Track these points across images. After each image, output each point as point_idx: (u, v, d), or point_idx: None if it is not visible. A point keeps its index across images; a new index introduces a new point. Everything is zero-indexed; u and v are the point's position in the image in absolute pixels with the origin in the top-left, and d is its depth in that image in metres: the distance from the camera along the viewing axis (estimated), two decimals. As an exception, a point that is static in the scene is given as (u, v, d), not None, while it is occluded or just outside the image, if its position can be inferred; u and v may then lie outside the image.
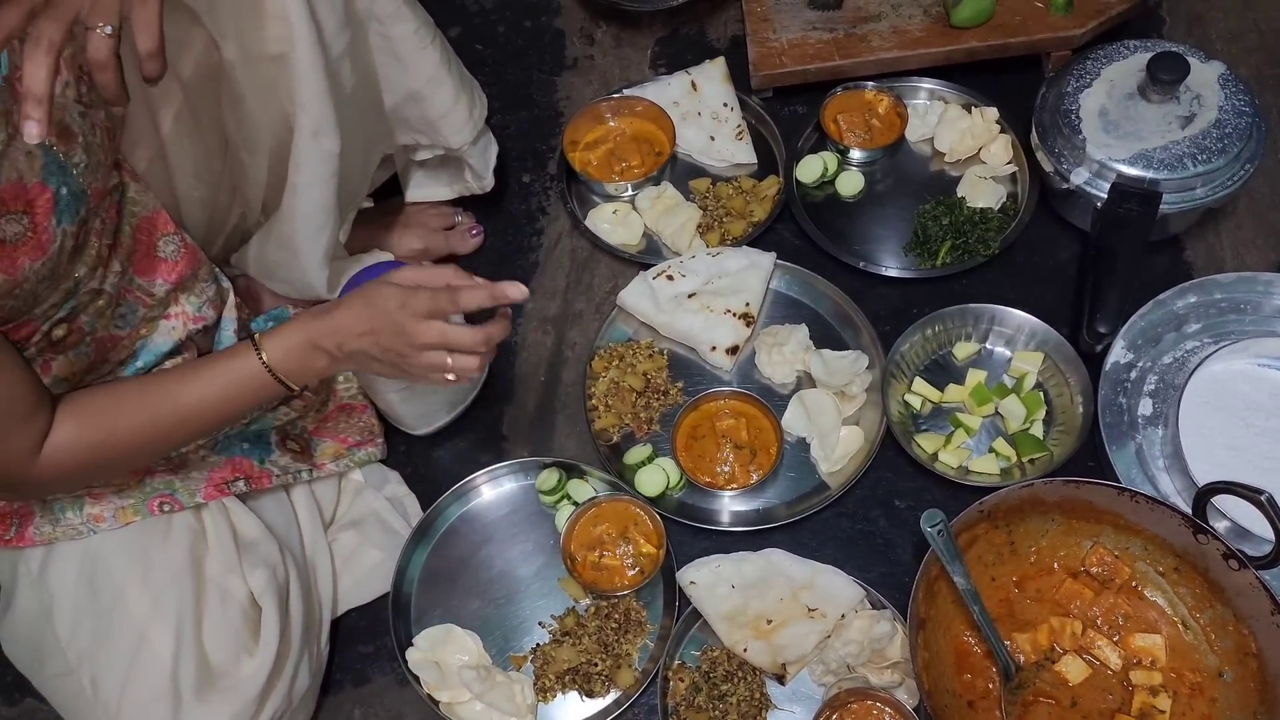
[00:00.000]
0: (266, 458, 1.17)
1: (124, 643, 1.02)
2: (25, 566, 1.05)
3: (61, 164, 0.92)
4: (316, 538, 1.21)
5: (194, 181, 1.21)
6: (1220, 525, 1.15)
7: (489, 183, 1.38)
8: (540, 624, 1.22)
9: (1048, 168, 1.36)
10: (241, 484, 1.14)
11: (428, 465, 1.34)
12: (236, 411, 1.05)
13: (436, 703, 1.17)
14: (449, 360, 1.04)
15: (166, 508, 1.08)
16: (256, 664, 1.05)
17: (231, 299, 1.20)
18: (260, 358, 1.01)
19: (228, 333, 1.19)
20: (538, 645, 1.21)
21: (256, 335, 1.03)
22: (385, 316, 1.01)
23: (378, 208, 1.45)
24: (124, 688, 1.01)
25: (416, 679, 1.18)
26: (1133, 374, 1.29)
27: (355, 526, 1.25)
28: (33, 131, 0.75)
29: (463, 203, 1.47)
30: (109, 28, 0.77)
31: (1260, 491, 1.03)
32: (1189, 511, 1.10)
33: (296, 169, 1.14)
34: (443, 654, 1.19)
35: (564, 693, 1.18)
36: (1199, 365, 1.23)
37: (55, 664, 1.05)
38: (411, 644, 1.19)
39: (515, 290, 1.03)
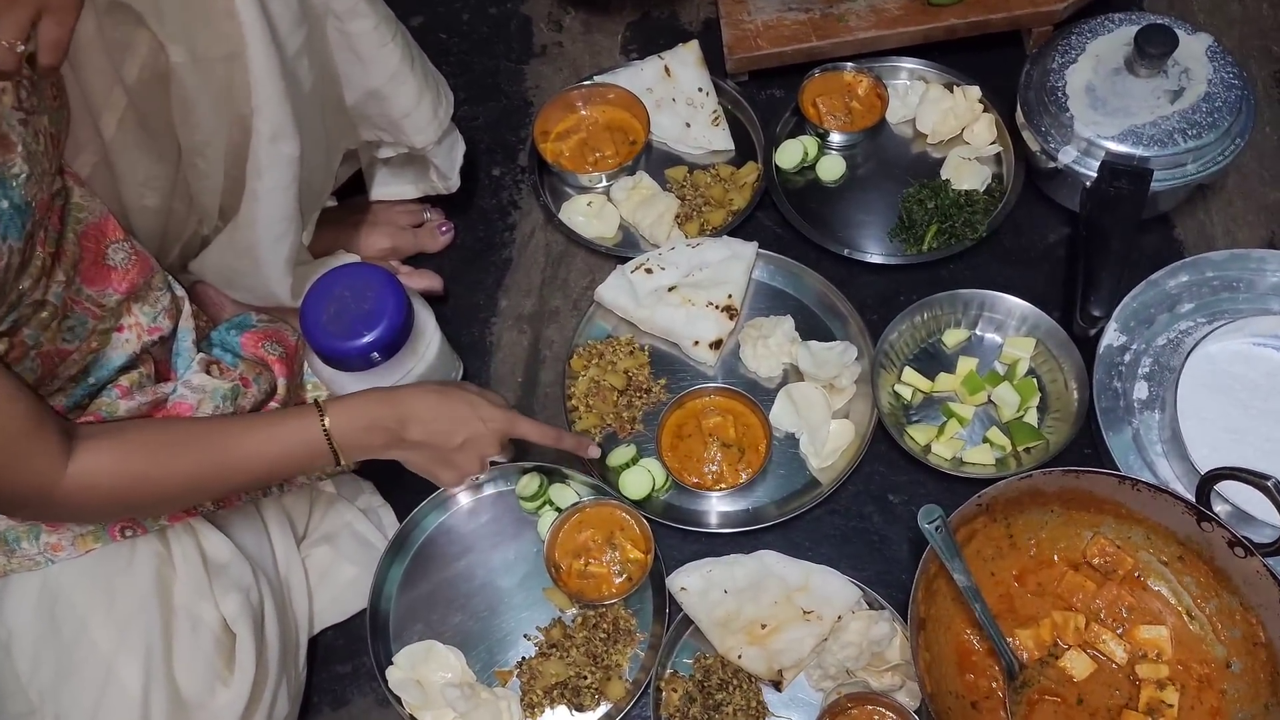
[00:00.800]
0: (233, 473, 1.12)
1: (89, 678, 0.96)
2: None
3: (0, 177, 0.86)
4: (290, 555, 1.15)
5: (143, 189, 1.14)
6: (1221, 510, 1.12)
7: (454, 183, 1.33)
8: (526, 636, 1.18)
9: (1034, 147, 1.32)
10: (208, 503, 1.08)
11: (402, 474, 1.27)
12: (283, 472, 1.04)
13: (419, 724, 1.12)
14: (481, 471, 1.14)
15: (129, 532, 1.02)
16: (232, 694, 0.99)
17: (187, 308, 1.14)
18: (322, 423, 1.01)
19: (185, 343, 1.13)
20: (524, 659, 1.16)
21: (321, 400, 1.05)
22: (459, 420, 1.08)
23: (343, 206, 1.40)
24: None
25: (398, 699, 1.13)
26: (1126, 357, 1.26)
27: (329, 541, 1.20)
28: None
29: (432, 198, 1.41)
30: (20, 45, 0.78)
31: (1267, 477, 1.00)
32: (1192, 499, 1.07)
33: (256, 175, 1.09)
34: (424, 672, 1.14)
35: (552, 708, 1.14)
36: (1194, 347, 1.20)
37: (16, 704, 0.99)
38: (392, 662, 1.15)
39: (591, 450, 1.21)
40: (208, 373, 1.11)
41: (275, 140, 1.06)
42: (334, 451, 1.03)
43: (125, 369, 1.08)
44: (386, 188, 1.37)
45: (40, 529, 1.00)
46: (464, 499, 1.25)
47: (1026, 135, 1.33)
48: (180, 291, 1.15)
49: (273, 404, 1.16)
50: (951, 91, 1.44)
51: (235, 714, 0.99)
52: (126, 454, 0.94)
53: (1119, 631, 1.10)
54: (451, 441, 1.08)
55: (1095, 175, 1.26)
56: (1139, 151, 1.24)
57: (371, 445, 1.06)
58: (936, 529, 1.06)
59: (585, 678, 1.13)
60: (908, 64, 1.47)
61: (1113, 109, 1.26)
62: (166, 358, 1.14)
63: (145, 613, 0.98)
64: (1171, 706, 1.06)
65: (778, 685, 1.12)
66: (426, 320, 1.21)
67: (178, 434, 0.99)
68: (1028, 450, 1.22)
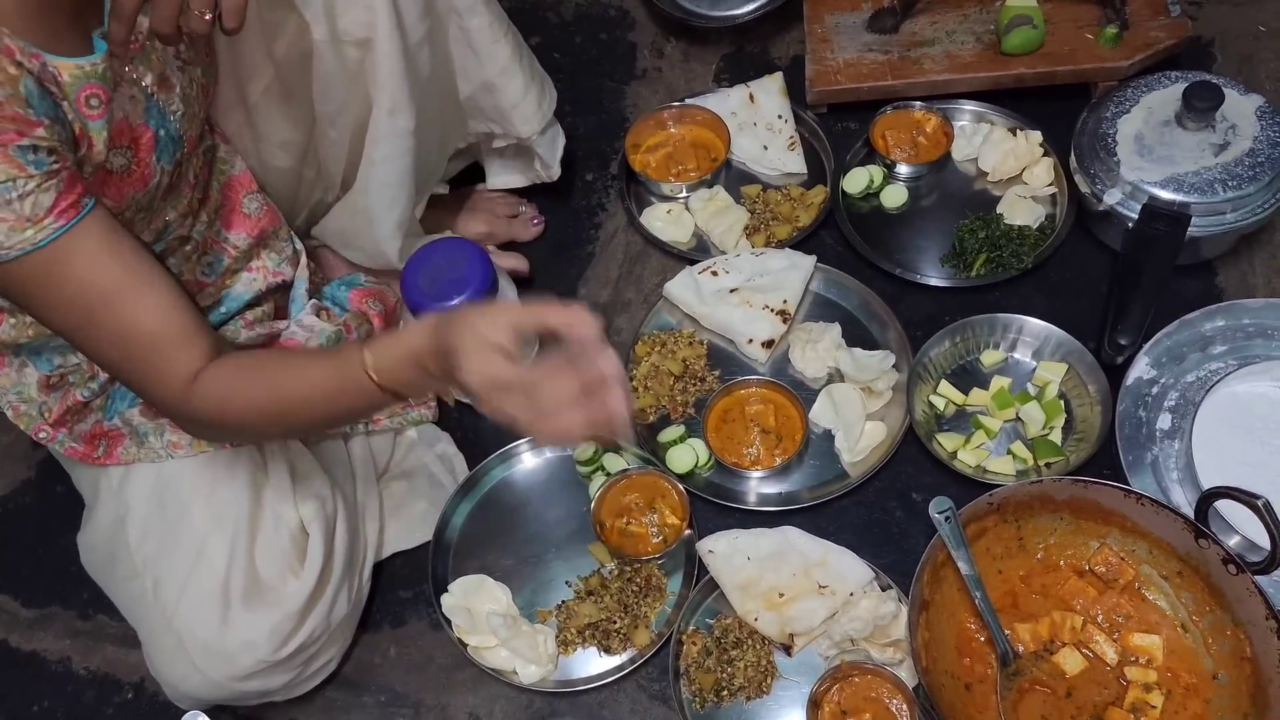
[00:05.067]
0: (330, 408, 1.28)
1: (185, 552, 1.13)
2: (107, 480, 1.18)
3: (161, 109, 1.04)
4: (369, 484, 1.31)
5: (279, 151, 1.32)
6: (1232, 540, 1.19)
7: (556, 172, 1.49)
8: (567, 583, 1.31)
9: (1084, 189, 1.41)
10: (298, 435, 1.24)
11: (476, 431, 1.43)
12: (343, 408, 1.04)
13: (465, 645, 1.25)
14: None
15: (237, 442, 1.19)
16: (300, 584, 1.15)
17: (304, 260, 1.32)
18: (363, 359, 0.97)
19: (300, 291, 1.31)
20: (563, 602, 1.29)
21: (367, 342, 1.00)
22: (467, 328, 0.91)
23: (451, 194, 1.57)
24: (181, 591, 1.13)
25: (449, 622, 1.26)
26: (1155, 389, 1.33)
27: (406, 477, 1.35)
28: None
29: (529, 195, 1.58)
30: (208, 13, 0.88)
31: (1257, 496, 1.07)
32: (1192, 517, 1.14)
33: (374, 144, 1.26)
34: (475, 601, 1.27)
35: (584, 647, 1.26)
36: (1218, 382, 1.27)
37: (124, 568, 1.18)
38: (447, 590, 1.28)
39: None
40: (317, 316, 1.28)
41: (393, 114, 1.23)
42: (379, 386, 0.97)
43: (250, 305, 1.26)
44: (499, 177, 1.54)
45: (165, 429, 1.17)
46: (528, 459, 1.39)
47: (1077, 177, 1.42)
48: (299, 246, 1.34)
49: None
50: (1015, 135, 1.54)
51: (300, 601, 1.14)
52: (234, 379, 1.00)
53: (1114, 636, 1.17)
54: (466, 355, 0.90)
55: (1137, 217, 1.35)
56: (1179, 197, 1.33)
57: (418, 383, 0.98)
58: (946, 519, 1.16)
59: (615, 623, 1.25)
60: (975, 106, 1.58)
61: (1158, 157, 1.35)
62: (284, 303, 1.32)
63: (237, 505, 1.15)
64: (1155, 708, 1.12)
65: (788, 650, 1.23)
66: (509, 293, 1.37)
67: (267, 360, 1.07)
68: (1048, 465, 1.30)
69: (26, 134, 0.87)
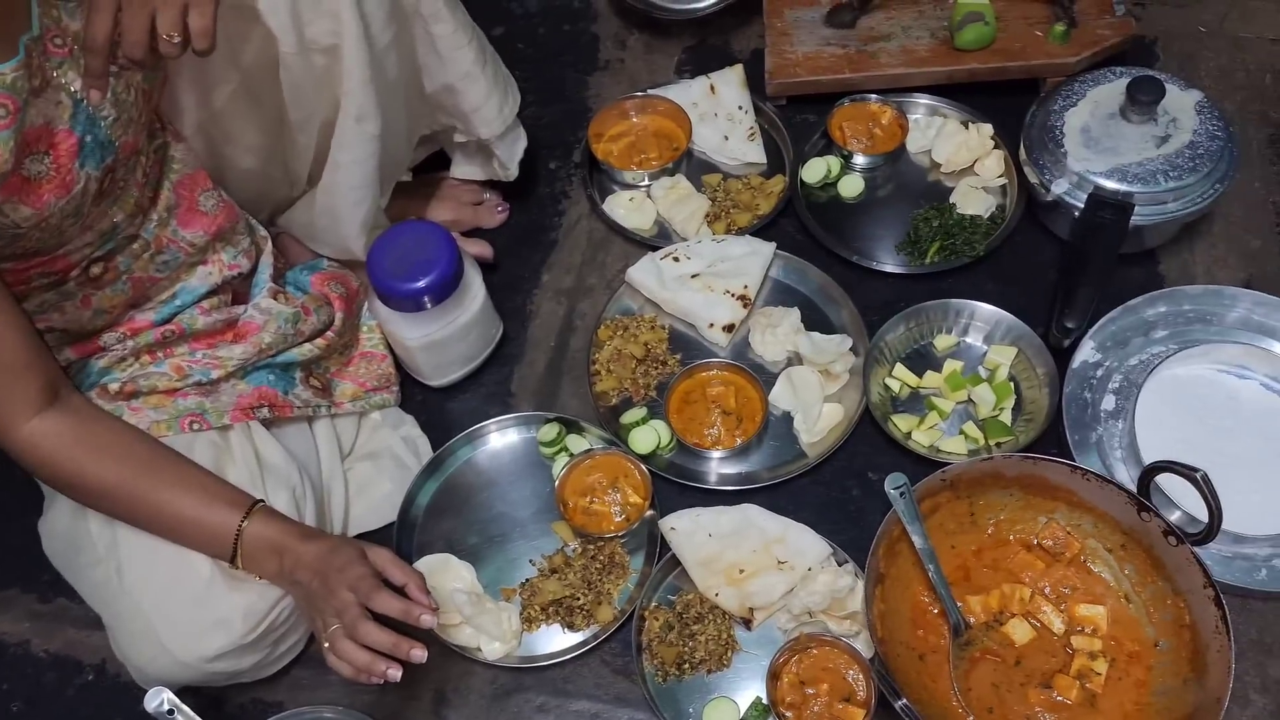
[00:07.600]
0: (290, 390, 1.29)
1: (149, 537, 1.13)
2: None
3: (90, 115, 1.04)
4: (334, 467, 1.32)
5: (245, 153, 1.32)
6: (1173, 515, 1.24)
7: (513, 173, 1.50)
8: (531, 562, 1.32)
9: (1033, 179, 1.46)
10: (265, 410, 1.25)
11: (441, 414, 1.45)
12: (182, 535, 1.11)
13: (430, 623, 1.27)
14: (339, 642, 1.03)
15: (196, 426, 1.19)
16: None
17: (269, 248, 1.33)
18: (240, 524, 1.09)
19: (263, 277, 1.32)
20: (527, 580, 1.31)
21: (259, 507, 1.11)
22: (327, 568, 1.06)
23: (416, 180, 1.58)
24: (149, 575, 1.12)
25: (414, 601, 1.28)
26: (1099, 372, 1.38)
27: (371, 459, 1.36)
28: (94, 97, 0.91)
29: (495, 182, 1.59)
30: (176, 36, 0.89)
31: (1195, 470, 1.12)
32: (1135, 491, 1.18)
33: (340, 148, 1.27)
34: (439, 580, 1.29)
35: (548, 623, 1.28)
36: (1159, 364, 1.32)
37: (87, 555, 1.17)
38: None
39: (423, 624, 1.06)
40: (274, 300, 1.29)
41: (360, 120, 1.24)
42: (234, 553, 1.09)
43: (207, 295, 1.26)
44: (460, 168, 1.55)
45: (124, 410, 1.17)
46: (492, 440, 1.41)
47: (1026, 168, 1.47)
48: (263, 232, 1.34)
49: (329, 334, 1.33)
50: (967, 128, 1.58)
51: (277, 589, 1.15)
52: (77, 440, 1.06)
53: (1061, 607, 1.22)
54: (315, 587, 1.07)
55: (1083, 206, 1.40)
56: (1124, 187, 1.38)
57: (265, 567, 1.10)
58: (901, 494, 1.19)
59: (579, 599, 1.27)
60: (929, 100, 1.62)
61: (1103, 149, 1.40)
62: (246, 289, 1.32)
63: None
64: (1100, 675, 1.17)
65: (748, 624, 1.25)
66: (474, 278, 1.38)
67: (130, 449, 1.10)
68: (999, 445, 1.34)
69: None
